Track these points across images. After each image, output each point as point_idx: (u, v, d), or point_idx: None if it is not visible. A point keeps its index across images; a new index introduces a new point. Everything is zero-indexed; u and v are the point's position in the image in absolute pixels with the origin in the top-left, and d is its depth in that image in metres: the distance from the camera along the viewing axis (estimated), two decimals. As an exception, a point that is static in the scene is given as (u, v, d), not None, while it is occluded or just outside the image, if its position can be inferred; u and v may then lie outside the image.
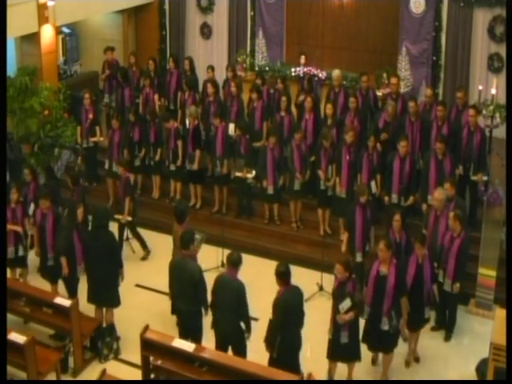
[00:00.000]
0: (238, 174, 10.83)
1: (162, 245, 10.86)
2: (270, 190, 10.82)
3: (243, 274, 9.02)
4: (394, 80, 11.28)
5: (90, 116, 12.00)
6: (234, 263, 7.47)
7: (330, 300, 9.43)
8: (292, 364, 7.26)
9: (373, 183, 10.03)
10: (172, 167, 11.48)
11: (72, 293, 8.70)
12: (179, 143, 11.30)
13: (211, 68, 12.46)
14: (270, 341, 7.29)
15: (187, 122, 11.59)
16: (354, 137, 10.15)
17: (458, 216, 8.42)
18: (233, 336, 7.49)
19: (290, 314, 7.20)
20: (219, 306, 7.46)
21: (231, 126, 11.45)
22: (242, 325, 7.47)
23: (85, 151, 12.12)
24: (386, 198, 9.99)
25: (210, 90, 11.89)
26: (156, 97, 12.42)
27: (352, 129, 10.24)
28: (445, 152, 9.57)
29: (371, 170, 10.04)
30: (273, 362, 7.32)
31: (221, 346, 7.55)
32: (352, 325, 7.43)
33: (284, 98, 11.25)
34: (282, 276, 7.21)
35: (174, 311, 8.00)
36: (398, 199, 9.90)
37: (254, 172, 10.80)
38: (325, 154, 10.37)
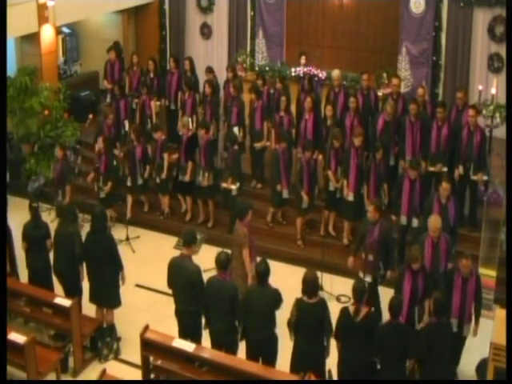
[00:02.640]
0: (224, 184, 10.69)
1: (162, 245, 10.87)
2: (285, 194, 10.67)
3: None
4: (395, 81, 11.25)
5: (112, 131, 11.76)
6: (222, 265, 7.44)
7: (330, 300, 9.51)
8: (266, 359, 7.29)
9: (382, 193, 10.05)
10: (157, 180, 11.33)
11: (75, 295, 8.64)
12: (165, 156, 11.15)
13: (209, 70, 12.44)
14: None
15: (180, 132, 11.43)
16: (363, 141, 10.10)
17: (471, 257, 7.72)
18: (226, 335, 7.48)
19: (251, 308, 7.24)
20: (212, 307, 7.44)
21: (235, 130, 11.45)
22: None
23: None
24: (394, 218, 9.74)
25: (207, 90, 11.90)
26: (153, 103, 12.21)
27: (361, 133, 10.10)
28: (449, 195, 8.91)
29: (378, 181, 9.97)
30: (247, 353, 7.46)
31: (215, 345, 7.54)
32: None
33: (283, 98, 11.24)
34: (256, 275, 7.35)
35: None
36: (406, 221, 9.60)
37: (238, 184, 10.64)
38: (335, 154, 10.31)
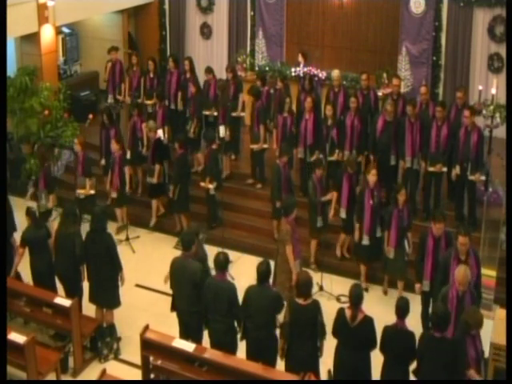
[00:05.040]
0: (201, 184, 10.82)
1: (162, 245, 10.88)
2: None
3: (243, 274, 9.08)
4: (395, 81, 11.26)
5: (80, 169, 10.89)
6: (220, 267, 7.44)
7: (330, 300, 9.52)
8: (266, 360, 7.28)
9: (406, 243, 9.24)
10: (114, 195, 10.99)
11: (75, 295, 8.64)
12: (126, 169, 10.93)
13: (208, 70, 12.42)
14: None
15: (149, 136, 11.29)
16: (377, 175, 9.47)
17: None
18: (225, 336, 7.48)
19: (250, 308, 7.25)
20: (210, 308, 7.44)
21: (221, 128, 11.44)
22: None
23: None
24: (418, 286, 8.64)
25: (192, 89, 11.95)
26: (144, 125, 11.78)
27: (374, 166, 9.68)
28: (468, 250, 7.89)
29: (401, 228, 9.18)
30: (247, 353, 7.44)
31: (214, 346, 7.53)
32: None
33: (288, 100, 11.23)
34: (257, 275, 7.31)
35: (174, 309, 8.00)
36: (429, 286, 8.47)
37: (215, 183, 10.72)
38: (348, 179, 9.91)
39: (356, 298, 6.98)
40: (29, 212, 8.86)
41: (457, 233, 7.93)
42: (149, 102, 12.42)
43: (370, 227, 9.53)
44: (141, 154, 11.66)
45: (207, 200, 11.10)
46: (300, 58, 12.97)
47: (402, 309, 6.97)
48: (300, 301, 7.08)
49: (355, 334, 6.97)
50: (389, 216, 9.25)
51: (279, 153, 10.67)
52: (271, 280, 8.82)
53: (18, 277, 9.09)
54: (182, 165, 10.92)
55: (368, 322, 7.00)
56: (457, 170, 10.03)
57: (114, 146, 10.92)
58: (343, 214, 10.00)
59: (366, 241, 9.58)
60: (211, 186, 10.73)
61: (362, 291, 7.12)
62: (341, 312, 7.08)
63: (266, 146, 11.52)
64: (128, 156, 11.56)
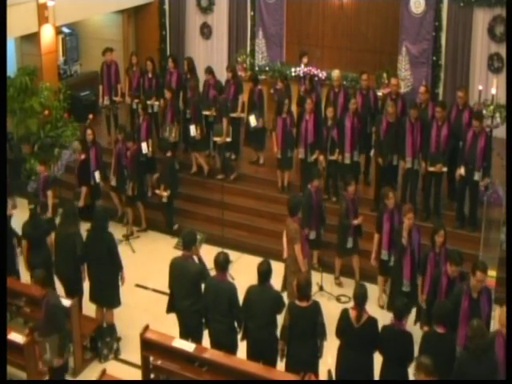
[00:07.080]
0: (156, 191, 11.06)
1: (162, 245, 10.88)
2: (312, 235, 9.67)
3: (243, 274, 9.07)
4: (394, 81, 11.25)
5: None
6: (221, 267, 7.43)
7: (331, 300, 9.51)
8: (267, 360, 7.28)
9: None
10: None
11: (75, 295, 8.63)
12: (49, 193, 10.18)
13: (208, 70, 12.42)
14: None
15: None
16: (414, 218, 8.58)
17: None
18: (225, 336, 7.48)
19: (251, 308, 7.24)
20: (211, 308, 7.45)
21: (192, 128, 11.53)
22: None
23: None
24: (425, 328, 7.84)
25: (168, 94, 11.96)
26: (129, 153, 11.20)
27: (411, 210, 8.54)
28: (481, 290, 7.37)
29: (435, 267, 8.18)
30: (247, 353, 7.44)
31: (214, 346, 7.53)
32: None
33: (286, 101, 11.22)
34: (258, 275, 7.30)
35: (170, 310, 8.01)
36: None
37: (168, 192, 10.87)
38: (388, 218, 8.99)
39: (361, 298, 6.95)
40: (30, 208, 8.86)
41: (474, 267, 7.27)
42: (148, 102, 12.42)
43: (411, 274, 8.52)
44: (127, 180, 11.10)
45: (162, 207, 11.17)
46: (305, 60, 12.92)
47: (400, 311, 6.97)
48: (303, 304, 7.06)
49: (360, 334, 6.95)
50: (424, 259, 8.31)
51: (279, 144, 10.51)
52: (281, 282, 8.90)
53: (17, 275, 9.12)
54: (135, 161, 11.03)
55: (372, 322, 6.99)
56: (461, 171, 9.98)
57: (40, 168, 10.37)
58: (385, 256, 9.10)
59: (406, 287, 8.58)
60: (165, 194, 10.88)
61: (366, 291, 7.06)
62: (345, 313, 7.05)
63: (228, 139, 11.58)
64: (113, 183, 11.23)
